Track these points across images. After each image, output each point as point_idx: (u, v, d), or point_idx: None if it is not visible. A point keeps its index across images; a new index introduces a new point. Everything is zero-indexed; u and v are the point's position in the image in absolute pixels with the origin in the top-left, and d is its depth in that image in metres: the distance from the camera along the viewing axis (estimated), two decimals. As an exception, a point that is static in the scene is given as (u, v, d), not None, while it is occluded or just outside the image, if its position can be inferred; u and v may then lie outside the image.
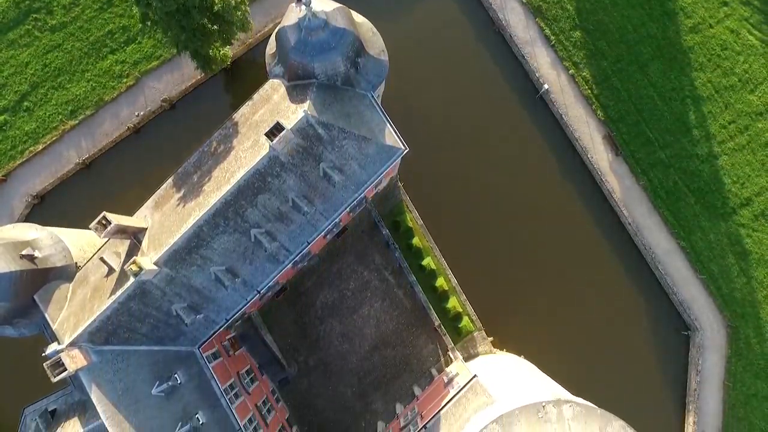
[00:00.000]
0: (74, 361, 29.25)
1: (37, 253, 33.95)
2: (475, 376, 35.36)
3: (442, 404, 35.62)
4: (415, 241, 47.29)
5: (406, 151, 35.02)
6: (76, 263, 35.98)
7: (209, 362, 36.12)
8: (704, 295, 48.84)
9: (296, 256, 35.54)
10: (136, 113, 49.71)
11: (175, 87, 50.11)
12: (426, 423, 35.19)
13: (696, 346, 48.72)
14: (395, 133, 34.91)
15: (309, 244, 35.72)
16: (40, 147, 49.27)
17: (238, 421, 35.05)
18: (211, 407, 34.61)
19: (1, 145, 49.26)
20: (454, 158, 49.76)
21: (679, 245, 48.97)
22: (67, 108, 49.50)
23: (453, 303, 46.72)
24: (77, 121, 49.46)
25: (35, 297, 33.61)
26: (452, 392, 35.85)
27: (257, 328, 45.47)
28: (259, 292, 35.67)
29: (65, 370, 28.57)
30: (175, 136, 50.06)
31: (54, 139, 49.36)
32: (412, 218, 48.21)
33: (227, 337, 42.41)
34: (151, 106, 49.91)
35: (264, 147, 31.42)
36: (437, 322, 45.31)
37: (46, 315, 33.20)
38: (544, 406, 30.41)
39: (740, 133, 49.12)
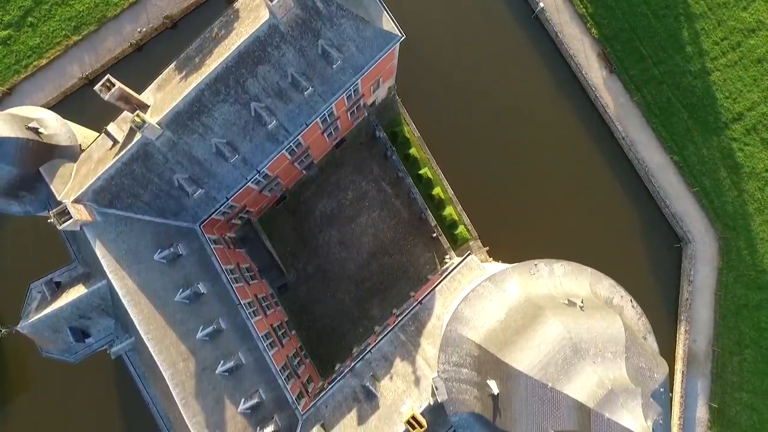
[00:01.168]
0: (79, 212, 30.08)
1: (42, 129, 34.83)
2: (470, 253, 36.18)
3: (437, 282, 36.46)
4: (413, 151, 48.10)
5: (402, 38, 35.89)
6: (80, 145, 36.88)
7: (210, 245, 36.97)
8: (696, 208, 49.68)
9: (295, 137, 36.34)
10: (138, 30, 50.53)
11: (176, 5, 50.94)
12: (421, 299, 36.04)
13: (688, 257, 49.55)
14: (392, 20, 35.78)
15: (307, 126, 36.52)
16: (44, 62, 50.09)
17: (238, 297, 35.88)
18: (211, 281, 35.46)
19: (5, 60, 50.10)
20: (450, 76, 50.57)
21: (672, 159, 49.80)
22: (70, 24, 50.32)
23: (449, 211, 47.53)
24: (81, 37, 50.28)
25: (41, 169, 34.45)
26: (448, 271, 36.64)
27: (257, 232, 46.30)
28: (258, 172, 36.46)
29: (70, 218, 29.38)
30: (176, 55, 50.77)
31: (58, 54, 50.19)
32: (410, 130, 49.02)
33: (228, 235, 43.24)
34: (153, 23, 50.73)
35: (264, 16, 32.25)
36: (433, 223, 46.10)
37: (51, 187, 34.03)
38: (536, 265, 31.22)
39: (732, 49, 49.91)
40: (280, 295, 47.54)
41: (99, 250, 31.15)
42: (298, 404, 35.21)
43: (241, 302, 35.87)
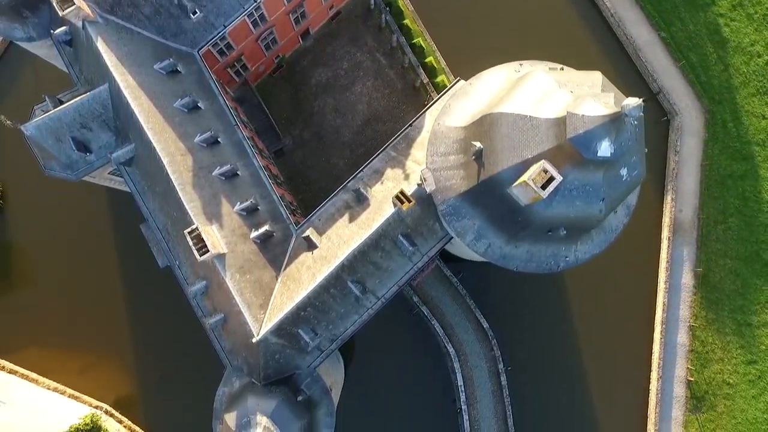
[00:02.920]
0: (81, 4, 31.25)
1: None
2: (459, 79, 37.33)
3: (428, 106, 37.67)
4: (407, 22, 49.26)
5: None
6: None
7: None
8: (683, 83, 50.91)
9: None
10: None
11: None
12: (411, 122, 37.23)
13: (675, 130, 50.80)
14: None
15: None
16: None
17: (235, 119, 37.05)
18: (209, 100, 36.66)
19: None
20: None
21: (659, 36, 51.03)
22: None
23: (442, 78, 48.68)
24: None
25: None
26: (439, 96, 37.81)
27: (254, 93, 47.48)
28: (255, 1, 37.60)
29: (73, 4, 30.55)
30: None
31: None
32: (404, 3, 50.17)
33: (227, 88, 44.40)
34: None
35: None
36: (425, 80, 47.35)
37: (53, 2, 35.13)
38: (521, 64, 32.39)
39: (719, -72, 51.11)
40: (276, 159, 48.71)
41: (101, 46, 32.32)
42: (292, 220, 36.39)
43: (238, 124, 37.04)
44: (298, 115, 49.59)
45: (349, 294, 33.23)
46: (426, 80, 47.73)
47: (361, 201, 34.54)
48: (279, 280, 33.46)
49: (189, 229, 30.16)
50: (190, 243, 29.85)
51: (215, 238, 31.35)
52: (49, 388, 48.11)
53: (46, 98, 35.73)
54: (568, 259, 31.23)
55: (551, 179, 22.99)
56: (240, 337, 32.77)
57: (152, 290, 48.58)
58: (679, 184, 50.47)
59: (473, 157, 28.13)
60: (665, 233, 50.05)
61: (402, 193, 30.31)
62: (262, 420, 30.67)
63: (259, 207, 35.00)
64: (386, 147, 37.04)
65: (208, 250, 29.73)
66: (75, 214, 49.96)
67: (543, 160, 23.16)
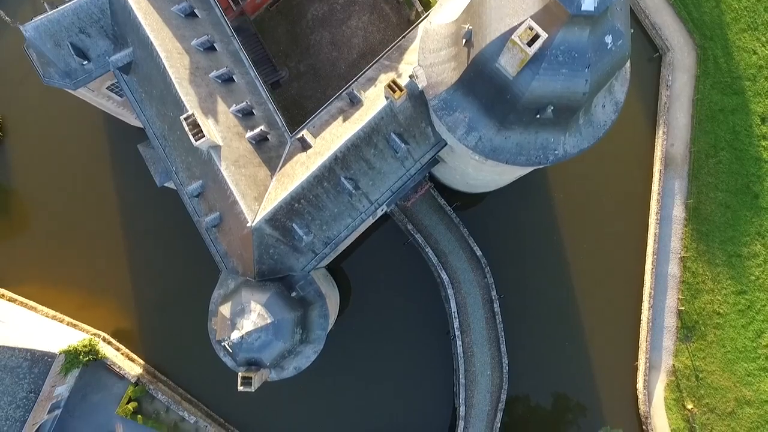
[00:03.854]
0: None
1: None
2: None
3: (419, 21, 38.28)
4: (402, -43, 49.95)
5: None
6: None
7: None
8: (675, 19, 51.54)
9: None
10: None
11: None
12: (404, 34, 37.85)
13: (666, 65, 51.43)
14: None
15: None
16: None
17: (231, 30, 37.65)
18: (206, 10, 37.30)
19: None
20: None
21: (651, -27, 51.69)
22: None
23: (436, 11, 49.31)
24: None
25: None
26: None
27: (251, 24, 48.12)
28: None
29: None
30: None
31: None
32: (399, -61, 50.84)
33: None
34: None
35: None
36: (419, 9, 47.96)
37: None
38: None
39: None
40: (273, 91, 49.28)
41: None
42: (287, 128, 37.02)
43: (235, 35, 37.66)
44: (294, 48, 50.21)
45: (343, 192, 33.84)
46: (420, 8, 48.35)
47: (354, 103, 35.18)
48: (274, 178, 34.09)
49: (185, 116, 30.73)
50: (186, 129, 30.42)
51: (210, 128, 31.94)
52: (47, 316, 48.66)
53: (46, 5, 36.27)
54: (557, 152, 31.83)
55: (537, 37, 23.62)
56: (235, 232, 33.40)
57: (150, 216, 49.45)
58: (670, 119, 51.09)
59: (464, 42, 28.74)
60: (657, 166, 50.65)
61: (394, 81, 30.92)
62: (256, 307, 31.27)
63: (254, 111, 35.64)
64: (380, 58, 37.72)
65: (204, 135, 30.30)
66: (73, 144, 50.58)
67: (528, 18, 23.80)
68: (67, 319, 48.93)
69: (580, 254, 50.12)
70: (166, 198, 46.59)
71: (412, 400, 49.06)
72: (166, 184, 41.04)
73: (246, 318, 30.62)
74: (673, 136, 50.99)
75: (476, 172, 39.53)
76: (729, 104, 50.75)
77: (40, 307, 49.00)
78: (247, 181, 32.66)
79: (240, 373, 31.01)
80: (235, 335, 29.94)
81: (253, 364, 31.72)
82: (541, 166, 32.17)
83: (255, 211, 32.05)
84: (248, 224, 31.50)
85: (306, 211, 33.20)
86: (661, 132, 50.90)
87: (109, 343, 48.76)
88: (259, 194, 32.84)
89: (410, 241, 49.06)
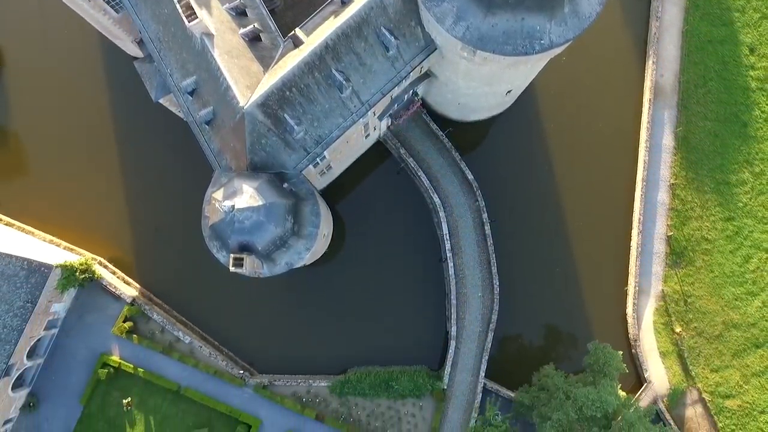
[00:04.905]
0: None
1: None
2: None
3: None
4: None
5: None
6: None
7: None
8: (665, -48, 52.27)
9: None
10: None
11: None
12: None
13: (657, -3, 52.16)
14: None
15: None
16: None
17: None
18: None
19: None
20: None
21: None
22: None
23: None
24: None
25: None
26: None
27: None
28: None
29: None
30: None
31: None
32: None
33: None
34: None
35: None
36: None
37: None
38: None
39: None
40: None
41: None
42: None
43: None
44: (289, -22, 50.73)
45: (333, 86, 34.46)
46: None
47: (346, 3, 35.78)
48: (266, 73, 34.69)
49: (178, -1, 31.35)
50: (180, 11, 31.05)
51: (203, 16, 32.55)
52: (45, 240, 49.26)
53: None
54: (542, 41, 32.40)
55: None
56: (227, 123, 34.01)
57: (145, 139, 50.20)
58: (660, 50, 51.76)
59: None
60: (647, 96, 51.34)
61: (383, -32, 31.55)
62: (249, 190, 31.91)
63: (247, 12, 36.25)
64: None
65: (197, 17, 30.94)
66: (71, 73, 51.24)
67: None
68: (65, 243, 49.54)
69: (571, 182, 50.77)
70: (159, 117, 47.49)
71: (405, 327, 49.66)
72: (161, 101, 41.76)
73: (238, 198, 31.26)
74: (662, 66, 51.65)
75: (466, 82, 40.14)
76: (718, 35, 51.45)
77: (38, 232, 49.61)
78: (239, 71, 33.30)
79: (232, 254, 31.62)
80: (227, 204, 30.50)
81: (246, 250, 32.34)
82: (527, 56, 32.71)
83: (247, 97, 32.66)
84: (240, 105, 32.12)
85: (297, 101, 33.83)
86: (650, 63, 51.56)
87: (105, 267, 49.39)
88: (251, 84, 33.47)
89: (403, 167, 49.73)
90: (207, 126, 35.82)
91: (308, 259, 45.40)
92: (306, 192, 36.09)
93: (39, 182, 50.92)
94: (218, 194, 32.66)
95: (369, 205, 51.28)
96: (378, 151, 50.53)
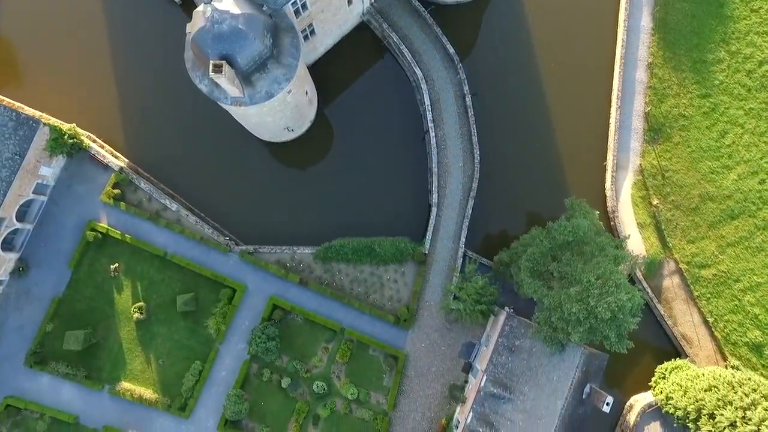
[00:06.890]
0: None
1: None
2: None
3: None
4: None
5: None
6: None
7: None
8: None
9: None
10: None
11: None
12: None
13: None
14: None
15: None
16: None
17: None
18: None
19: None
20: None
21: None
22: None
23: None
24: None
25: None
26: None
27: None
28: None
29: None
30: None
31: None
32: None
33: None
34: None
35: None
36: None
37: None
38: None
39: None
40: None
41: None
42: None
43: None
44: None
45: None
46: None
47: None
48: None
49: None
50: None
51: None
52: (33, 116, 49.88)
53: None
54: None
55: None
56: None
57: (135, 19, 51.14)
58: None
59: None
60: (625, -22, 52.39)
61: None
62: (229, 1, 32.86)
63: None
64: None
65: None
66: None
67: None
68: (53, 119, 50.19)
69: (551, 60, 51.80)
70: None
71: (389, 203, 50.64)
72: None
73: (218, 2, 32.24)
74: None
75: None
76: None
77: (26, 107, 50.23)
78: None
79: (211, 60, 32.54)
80: (208, 5, 31.48)
81: (226, 59, 33.25)
82: None
83: None
84: None
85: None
86: (629, -38, 52.53)
87: (94, 141, 50.16)
88: None
89: (386, 38, 50.43)
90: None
91: (297, 123, 46.39)
92: (287, 25, 37.03)
93: (26, 56, 51.68)
94: (200, 7, 33.59)
95: (354, 89, 52.22)
96: (363, 38, 51.49)
